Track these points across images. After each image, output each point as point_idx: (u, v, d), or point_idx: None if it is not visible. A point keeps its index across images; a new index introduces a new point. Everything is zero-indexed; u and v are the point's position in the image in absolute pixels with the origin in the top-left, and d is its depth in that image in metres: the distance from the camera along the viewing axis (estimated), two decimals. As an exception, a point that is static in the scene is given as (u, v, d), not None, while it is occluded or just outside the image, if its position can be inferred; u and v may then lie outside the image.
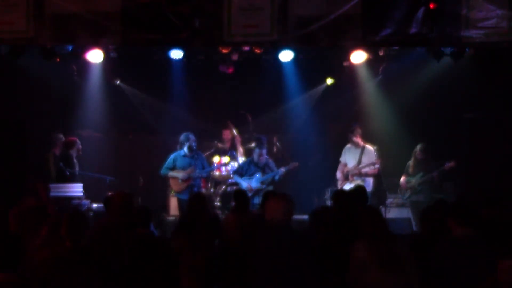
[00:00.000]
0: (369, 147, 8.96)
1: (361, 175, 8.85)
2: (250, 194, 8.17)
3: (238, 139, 10.07)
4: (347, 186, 8.29)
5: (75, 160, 8.85)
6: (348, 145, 9.09)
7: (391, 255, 4.12)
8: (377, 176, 8.89)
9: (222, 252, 5.94)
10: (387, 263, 4.10)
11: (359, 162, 8.89)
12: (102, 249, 4.49)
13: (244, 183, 8.88)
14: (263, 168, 9.00)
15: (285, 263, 3.99)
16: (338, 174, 9.07)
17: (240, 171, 9.13)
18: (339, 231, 4.89)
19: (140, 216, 5.04)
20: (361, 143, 8.96)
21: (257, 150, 8.99)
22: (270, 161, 9.14)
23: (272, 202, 4.21)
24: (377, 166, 8.79)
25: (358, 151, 8.94)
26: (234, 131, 10.07)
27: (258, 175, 8.93)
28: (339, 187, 8.81)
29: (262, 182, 8.90)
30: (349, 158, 9.03)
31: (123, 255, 4.48)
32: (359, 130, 8.95)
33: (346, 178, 8.93)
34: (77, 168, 8.81)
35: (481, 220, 4.74)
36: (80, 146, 8.95)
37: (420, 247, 4.61)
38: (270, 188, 8.73)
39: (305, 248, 4.16)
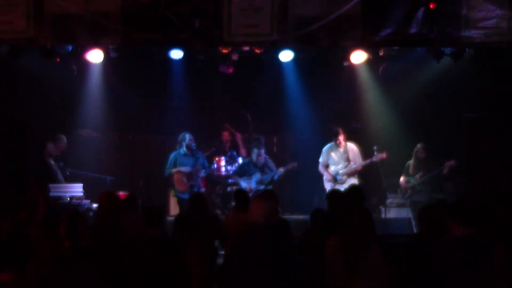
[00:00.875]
0: (351, 144, 8.97)
1: (356, 173, 8.85)
2: (250, 194, 8.17)
3: (239, 138, 10.08)
4: (341, 187, 8.25)
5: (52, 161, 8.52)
6: (328, 146, 9.06)
7: (362, 259, 4.21)
8: (362, 175, 8.92)
9: (223, 252, 5.95)
10: (355, 267, 4.19)
11: (348, 160, 8.88)
12: (101, 249, 4.48)
13: (244, 184, 8.88)
14: (262, 168, 9.00)
15: (268, 265, 3.96)
16: (328, 176, 9.02)
17: (240, 172, 9.13)
18: (335, 232, 4.88)
19: (149, 217, 4.99)
20: (343, 142, 8.94)
21: (255, 150, 8.99)
22: (269, 161, 9.15)
23: (253, 203, 4.19)
24: (361, 164, 8.82)
25: (342, 150, 8.93)
26: (233, 132, 10.08)
27: (257, 175, 8.93)
28: (327, 187, 8.78)
29: (261, 182, 8.90)
30: (333, 158, 8.99)
31: (125, 255, 4.48)
32: (341, 131, 8.93)
33: (335, 180, 8.90)
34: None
35: (496, 219, 4.73)
36: (50, 150, 8.46)
37: (420, 247, 4.61)
38: (270, 188, 8.74)
39: (289, 249, 4.13)
